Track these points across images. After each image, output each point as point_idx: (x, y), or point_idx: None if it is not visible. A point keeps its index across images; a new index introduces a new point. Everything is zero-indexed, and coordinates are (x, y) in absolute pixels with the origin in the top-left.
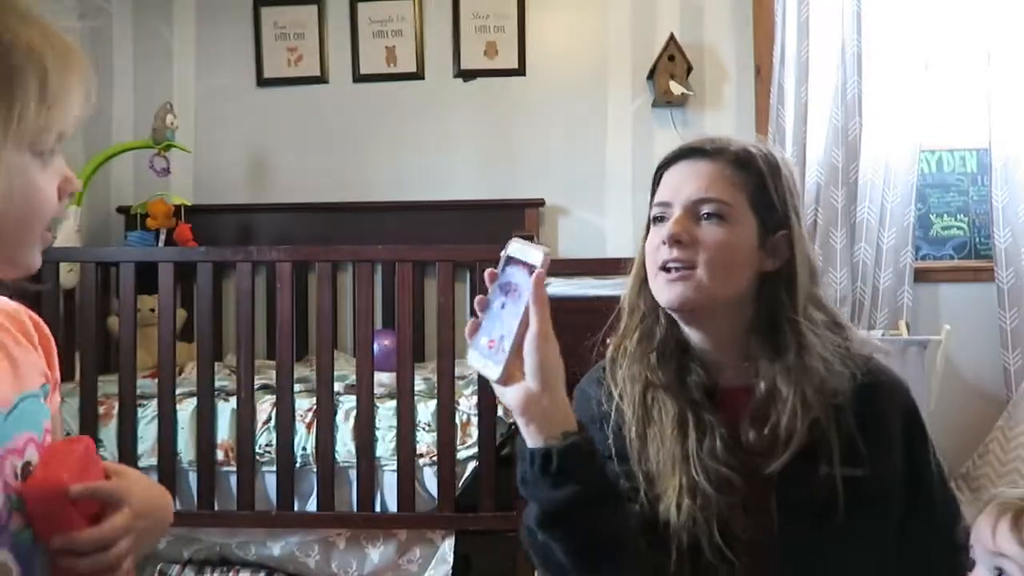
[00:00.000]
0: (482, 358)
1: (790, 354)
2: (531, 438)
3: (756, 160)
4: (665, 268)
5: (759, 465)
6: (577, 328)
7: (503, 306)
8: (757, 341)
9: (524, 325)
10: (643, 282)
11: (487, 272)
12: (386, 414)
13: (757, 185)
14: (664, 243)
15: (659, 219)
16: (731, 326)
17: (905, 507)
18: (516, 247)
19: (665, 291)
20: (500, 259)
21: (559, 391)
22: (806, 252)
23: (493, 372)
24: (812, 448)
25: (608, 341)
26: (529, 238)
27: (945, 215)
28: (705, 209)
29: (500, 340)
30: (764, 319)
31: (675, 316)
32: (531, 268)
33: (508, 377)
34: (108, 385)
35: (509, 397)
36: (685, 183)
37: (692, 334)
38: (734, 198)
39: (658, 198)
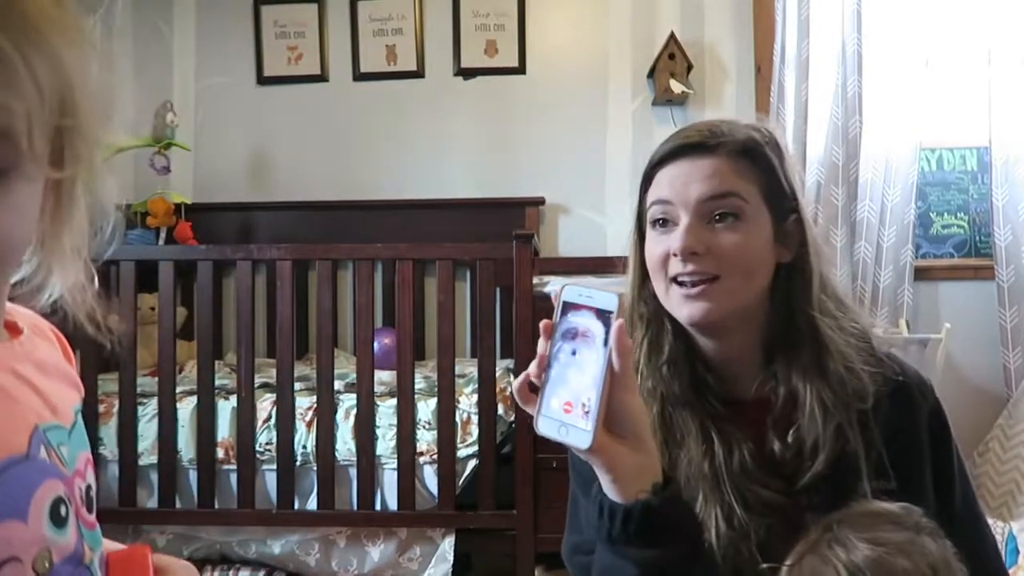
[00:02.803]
0: (562, 425)
1: (805, 353)
2: (619, 494)
3: (763, 146)
4: (678, 282)
5: (790, 478)
6: None
7: (572, 363)
8: (774, 342)
9: (608, 381)
10: (641, 285)
11: (542, 324)
12: (386, 412)
13: (768, 173)
14: (675, 255)
15: (661, 221)
16: (749, 330)
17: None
18: (575, 292)
19: (685, 308)
20: (555, 306)
21: (649, 441)
22: (815, 235)
23: (583, 440)
24: (842, 460)
25: None
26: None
27: (945, 213)
28: (718, 210)
29: (581, 402)
30: (780, 316)
31: (692, 329)
32: (602, 314)
33: (598, 441)
34: (108, 383)
35: (595, 457)
36: (690, 184)
37: (707, 344)
38: (747, 192)
39: (655, 196)
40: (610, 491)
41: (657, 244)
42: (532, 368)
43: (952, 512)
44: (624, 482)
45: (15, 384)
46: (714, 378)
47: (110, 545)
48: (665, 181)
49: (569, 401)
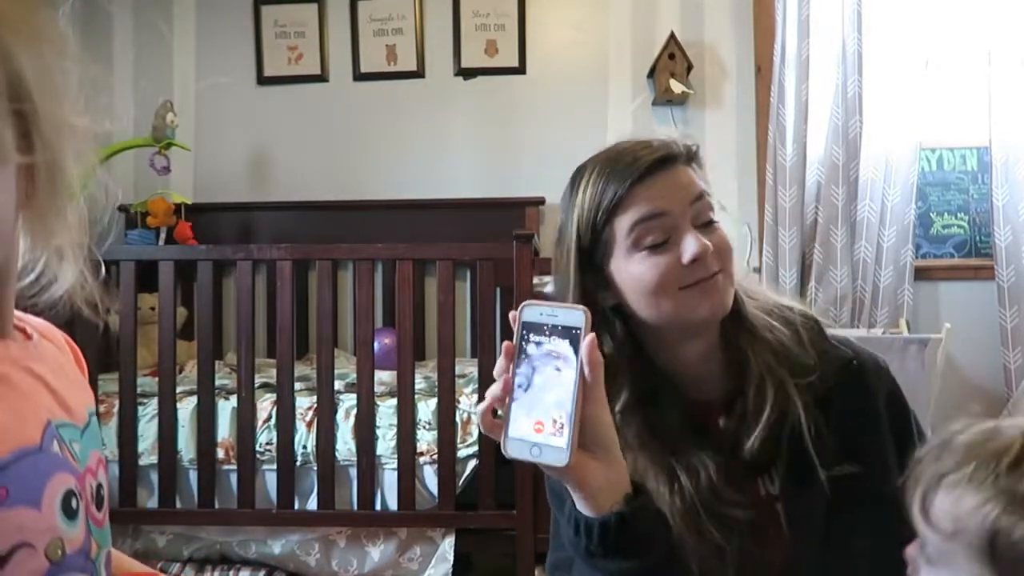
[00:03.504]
0: (534, 446)
1: (747, 334)
2: (593, 508)
3: (700, 150)
4: (688, 286)
5: (755, 470)
6: None
7: (537, 383)
8: (729, 337)
9: (581, 395)
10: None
11: (504, 347)
12: (386, 412)
13: (706, 175)
14: (693, 261)
15: (655, 241)
16: (715, 328)
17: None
18: (535, 312)
19: (707, 303)
20: (515, 328)
21: (618, 454)
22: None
23: (559, 457)
24: (804, 453)
25: None
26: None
27: (945, 213)
28: (703, 216)
29: (552, 419)
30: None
31: (690, 330)
32: (568, 331)
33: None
34: (108, 383)
35: (569, 475)
36: (676, 191)
37: (688, 350)
38: (710, 194)
39: (642, 214)
40: (584, 507)
41: (658, 264)
42: (495, 391)
43: None
44: (598, 497)
45: (30, 381)
46: (675, 391)
47: (123, 561)
48: (648, 197)
49: (540, 420)
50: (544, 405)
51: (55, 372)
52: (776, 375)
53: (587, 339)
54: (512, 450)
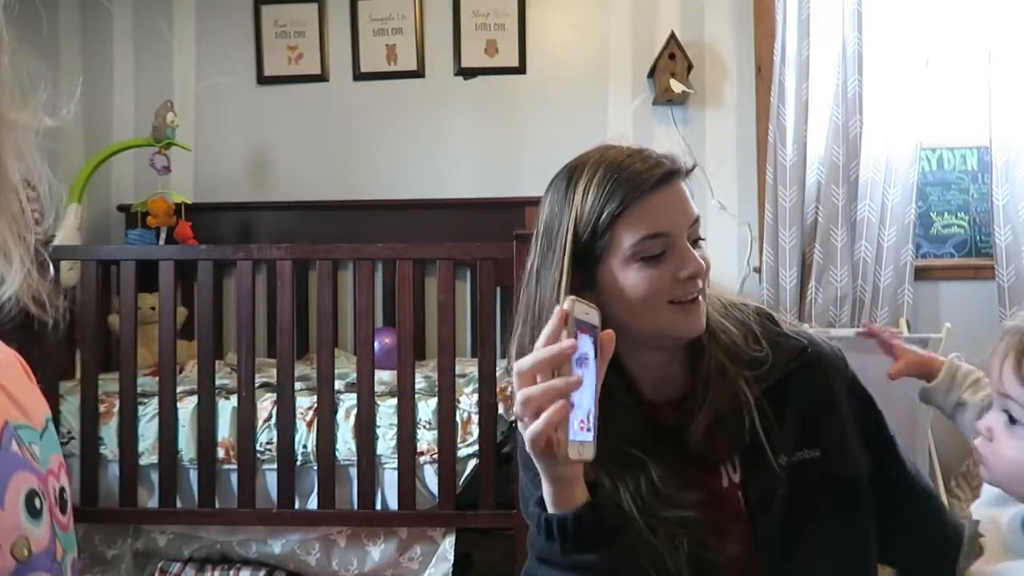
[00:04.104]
0: (581, 444)
1: (705, 336)
2: (566, 501)
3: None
4: (675, 301)
5: (707, 465)
6: None
7: (582, 378)
8: (690, 342)
9: (599, 390)
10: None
11: (567, 346)
12: (387, 412)
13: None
14: (688, 278)
15: (657, 258)
16: None
17: (875, 493)
18: (581, 310)
19: (688, 321)
20: (568, 324)
21: None
22: None
23: (591, 453)
24: (760, 442)
25: None
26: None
27: (946, 213)
28: (694, 235)
29: (587, 414)
30: None
31: (666, 342)
32: (593, 328)
33: None
34: (109, 383)
35: (577, 468)
36: (679, 210)
37: (654, 355)
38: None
39: (648, 230)
40: (558, 499)
41: (655, 276)
42: (555, 406)
43: (905, 472)
44: (575, 490)
45: None
46: (635, 388)
47: None
48: (655, 213)
49: (582, 419)
50: (582, 402)
51: (9, 378)
52: (723, 369)
53: (606, 333)
54: (572, 453)
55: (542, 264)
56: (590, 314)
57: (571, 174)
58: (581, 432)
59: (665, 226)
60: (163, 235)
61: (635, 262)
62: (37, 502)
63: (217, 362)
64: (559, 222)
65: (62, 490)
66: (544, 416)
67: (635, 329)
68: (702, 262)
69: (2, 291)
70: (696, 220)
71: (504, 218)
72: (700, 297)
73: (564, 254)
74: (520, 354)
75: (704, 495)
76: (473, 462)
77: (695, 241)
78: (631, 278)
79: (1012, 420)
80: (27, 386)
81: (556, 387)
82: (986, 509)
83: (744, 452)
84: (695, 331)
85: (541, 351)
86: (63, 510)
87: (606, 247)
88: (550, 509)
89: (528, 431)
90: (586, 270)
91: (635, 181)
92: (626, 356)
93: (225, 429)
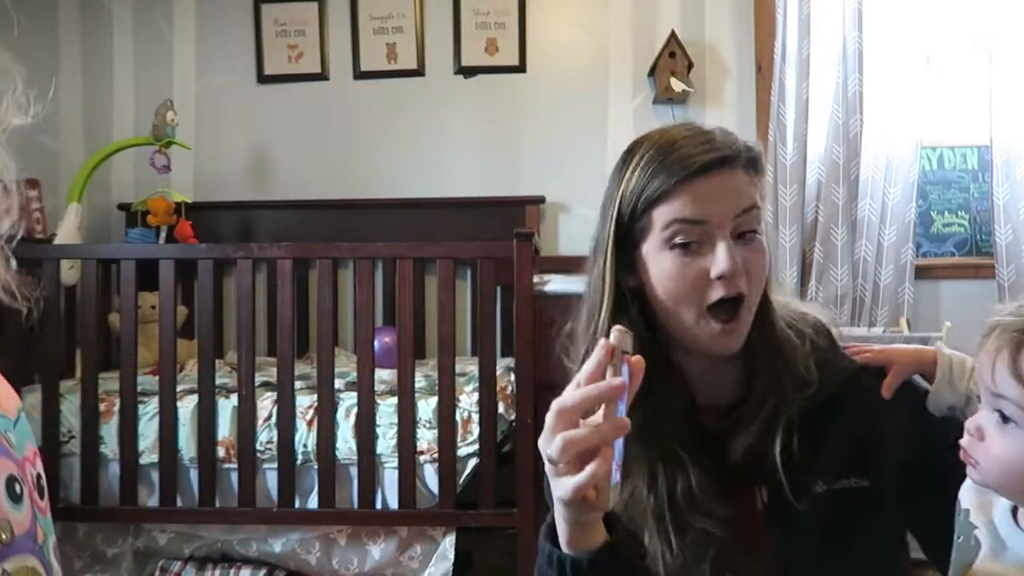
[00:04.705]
0: (614, 488)
1: (767, 349)
2: (583, 541)
3: (761, 156)
4: (713, 313)
5: (744, 481)
6: None
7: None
8: (748, 346)
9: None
10: (619, 313)
11: (618, 384)
12: (387, 411)
13: (763, 183)
14: (720, 278)
15: (687, 244)
16: None
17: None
18: (628, 341)
19: (723, 341)
20: (615, 359)
21: None
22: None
23: (619, 493)
24: (802, 465)
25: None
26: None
27: (946, 212)
28: (746, 226)
29: (619, 455)
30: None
31: (704, 351)
32: (624, 354)
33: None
34: (109, 382)
35: (599, 512)
36: (723, 200)
37: (700, 359)
38: (760, 203)
39: (679, 214)
40: (575, 539)
41: (685, 267)
42: (602, 457)
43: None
44: (594, 529)
45: None
46: (681, 388)
47: None
48: (693, 199)
49: (617, 460)
50: (616, 442)
51: None
52: (779, 389)
53: (636, 360)
54: (613, 500)
55: (596, 242)
56: (627, 341)
57: (629, 151)
58: (616, 475)
59: (700, 213)
60: (163, 234)
61: (668, 249)
62: (17, 487)
63: (217, 361)
64: (610, 200)
65: (39, 476)
66: (590, 469)
67: (674, 327)
68: (737, 261)
69: None
70: (746, 211)
71: (504, 217)
72: (743, 313)
73: (609, 234)
74: (571, 343)
75: (736, 511)
76: (473, 461)
77: (743, 234)
78: (664, 265)
79: (1005, 419)
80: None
81: (602, 433)
82: (974, 496)
83: (781, 474)
84: (731, 350)
85: (587, 390)
86: (41, 495)
87: (643, 230)
88: (564, 547)
89: (571, 483)
90: (627, 252)
91: (679, 164)
92: (676, 350)
93: (225, 428)
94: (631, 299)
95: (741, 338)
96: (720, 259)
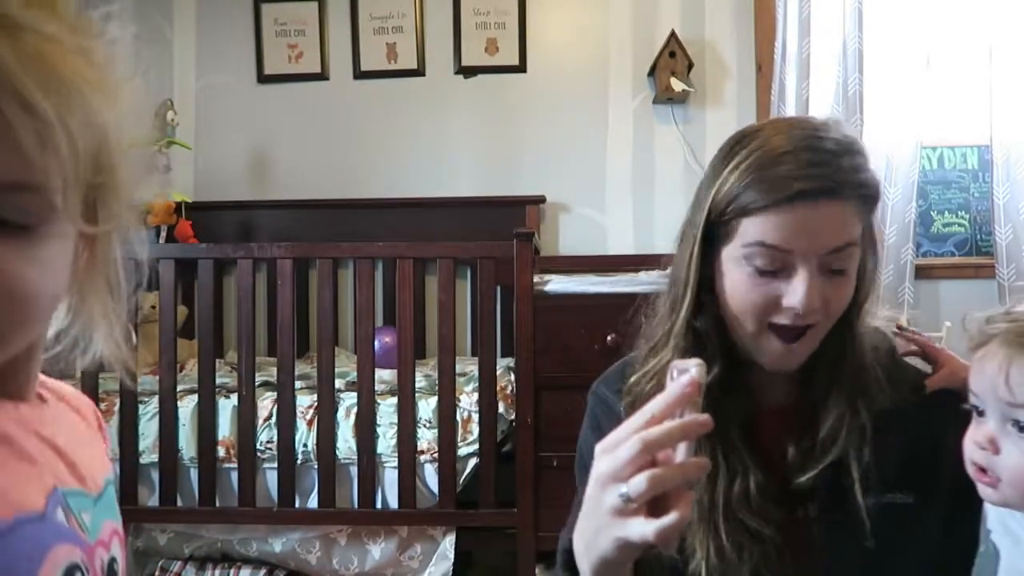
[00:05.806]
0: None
1: (844, 361)
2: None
3: (877, 189)
4: (776, 331)
5: (796, 493)
6: (576, 323)
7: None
8: (816, 354)
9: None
10: (697, 309)
11: (704, 421)
12: (387, 411)
13: (871, 214)
14: (794, 308)
15: (770, 271)
16: None
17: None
18: (703, 372)
19: (781, 358)
20: (699, 394)
21: None
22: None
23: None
24: (845, 461)
25: (614, 337)
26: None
27: (946, 212)
28: (837, 264)
29: None
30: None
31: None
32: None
33: None
34: (109, 382)
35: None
36: (815, 235)
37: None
38: (858, 237)
39: (764, 238)
40: (604, 573)
41: (757, 287)
42: (688, 499)
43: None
44: (628, 566)
45: (36, 445)
46: (744, 394)
47: None
48: (781, 225)
49: None
50: None
51: (68, 437)
52: (855, 421)
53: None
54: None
55: (687, 226)
56: (704, 374)
57: (735, 144)
58: None
59: (785, 242)
60: (163, 234)
61: (745, 264)
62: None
63: (217, 361)
64: (705, 190)
65: (112, 560)
66: (680, 514)
67: (736, 331)
68: (814, 298)
69: (86, 357)
70: (837, 249)
71: (504, 217)
72: (808, 340)
73: (699, 224)
74: (645, 342)
75: (784, 516)
76: (473, 461)
77: (830, 271)
78: (740, 278)
79: (1022, 428)
80: (90, 446)
81: (687, 471)
82: (994, 511)
83: (832, 487)
84: (786, 370)
85: (671, 428)
86: None
87: (727, 234)
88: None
89: (651, 528)
90: (711, 248)
91: (777, 184)
92: (743, 350)
93: (225, 428)
94: (707, 295)
95: (800, 360)
96: (796, 292)
